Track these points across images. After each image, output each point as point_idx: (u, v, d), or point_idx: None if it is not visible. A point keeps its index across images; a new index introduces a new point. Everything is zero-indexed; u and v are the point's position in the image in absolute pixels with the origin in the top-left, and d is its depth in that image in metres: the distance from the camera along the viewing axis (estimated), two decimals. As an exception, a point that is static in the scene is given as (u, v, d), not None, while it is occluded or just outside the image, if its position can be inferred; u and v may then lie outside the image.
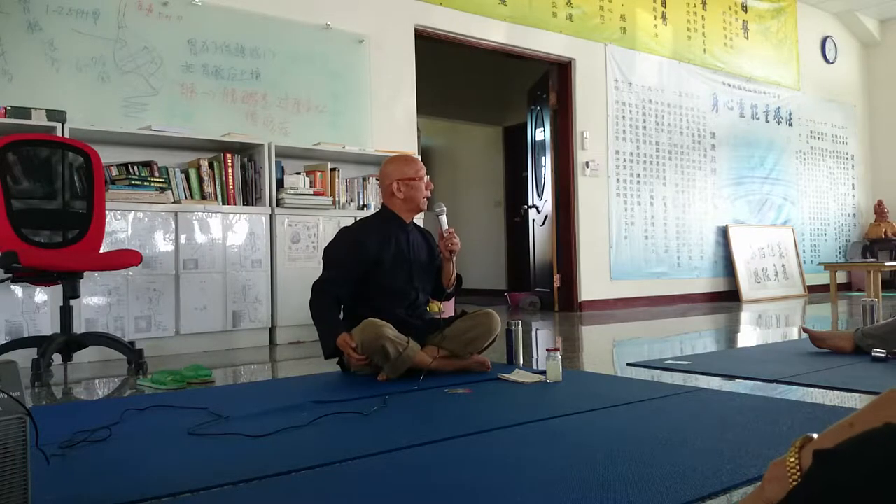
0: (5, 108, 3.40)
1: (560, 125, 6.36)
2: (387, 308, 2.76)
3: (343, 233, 2.95)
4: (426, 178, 2.95)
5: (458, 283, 3.04)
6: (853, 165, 8.97)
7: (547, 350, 2.66)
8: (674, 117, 6.92)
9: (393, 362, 2.60)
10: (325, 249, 2.93)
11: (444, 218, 2.90)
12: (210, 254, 3.87)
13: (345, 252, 2.82)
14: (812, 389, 2.39)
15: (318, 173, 4.39)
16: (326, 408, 2.16)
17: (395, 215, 2.92)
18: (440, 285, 2.99)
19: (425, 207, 2.99)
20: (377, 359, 2.61)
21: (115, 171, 3.71)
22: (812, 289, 7.88)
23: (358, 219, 3.38)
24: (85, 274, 3.10)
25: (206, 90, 4.23)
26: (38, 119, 3.44)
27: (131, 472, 1.57)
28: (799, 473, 0.85)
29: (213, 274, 3.87)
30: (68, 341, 3.03)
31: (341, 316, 2.82)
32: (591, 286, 6.23)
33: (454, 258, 2.91)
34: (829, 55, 8.66)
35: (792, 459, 0.87)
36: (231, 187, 4.06)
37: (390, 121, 5.03)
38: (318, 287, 2.79)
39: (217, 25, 4.28)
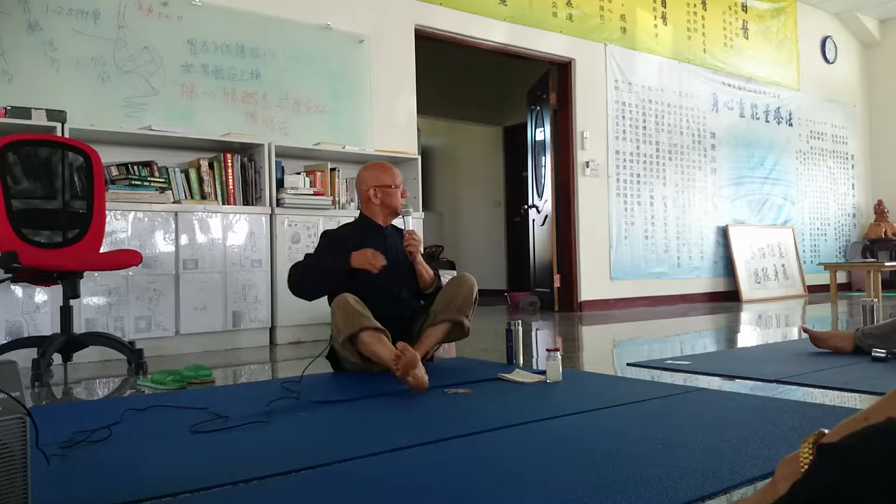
0: (5, 108, 3.40)
1: (560, 125, 6.36)
2: (370, 306, 2.77)
3: (324, 234, 3.08)
4: (402, 186, 3.10)
5: (439, 281, 3.09)
6: (853, 165, 8.97)
7: (547, 350, 2.66)
8: (674, 117, 6.92)
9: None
10: None
11: (408, 219, 3.06)
12: (210, 254, 3.87)
13: (324, 245, 2.99)
14: (812, 389, 2.39)
15: (318, 173, 4.39)
16: (326, 408, 2.16)
17: (371, 221, 3.06)
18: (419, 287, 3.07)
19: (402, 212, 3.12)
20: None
21: (115, 171, 3.71)
22: (812, 289, 7.88)
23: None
24: (85, 274, 3.10)
25: (206, 90, 4.23)
26: (38, 119, 3.44)
27: (131, 472, 1.57)
28: None
29: (213, 274, 3.87)
30: (68, 341, 3.03)
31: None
32: (591, 286, 6.23)
33: (418, 257, 3.02)
34: (829, 55, 8.66)
35: (806, 450, 0.87)
36: (231, 187, 4.06)
37: (390, 121, 5.03)
38: (292, 268, 2.96)
39: (217, 25, 4.28)
